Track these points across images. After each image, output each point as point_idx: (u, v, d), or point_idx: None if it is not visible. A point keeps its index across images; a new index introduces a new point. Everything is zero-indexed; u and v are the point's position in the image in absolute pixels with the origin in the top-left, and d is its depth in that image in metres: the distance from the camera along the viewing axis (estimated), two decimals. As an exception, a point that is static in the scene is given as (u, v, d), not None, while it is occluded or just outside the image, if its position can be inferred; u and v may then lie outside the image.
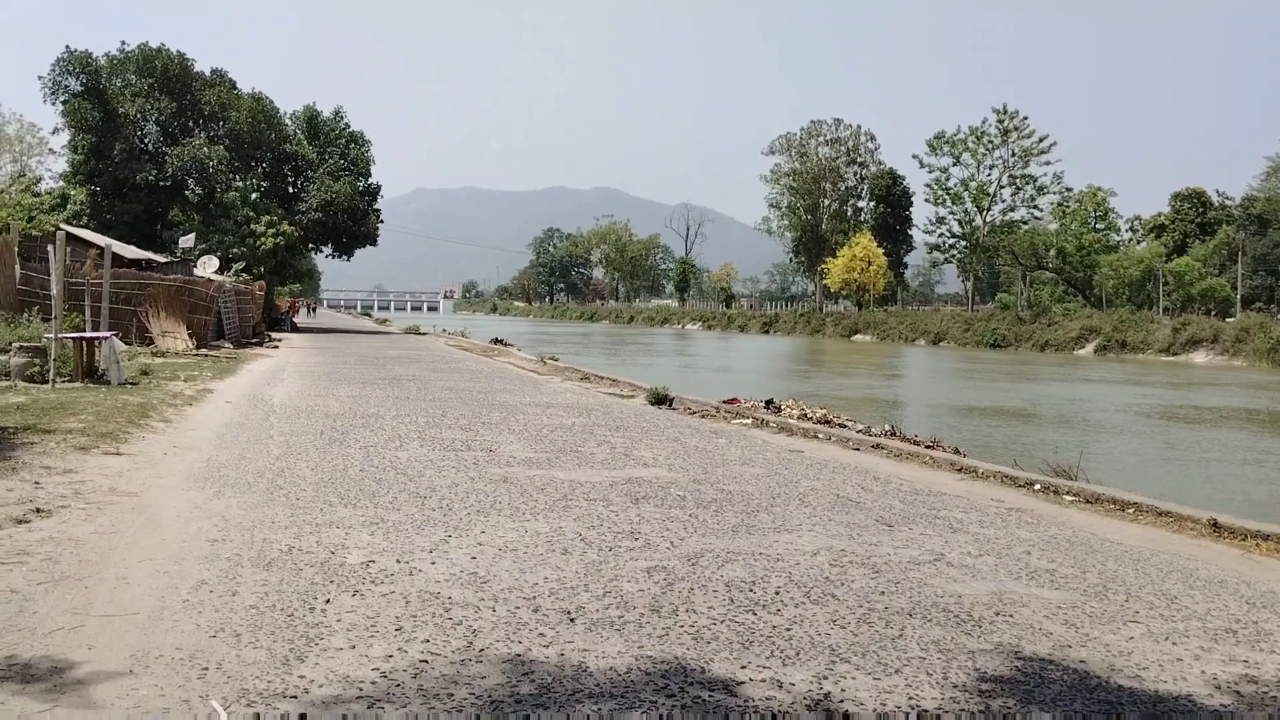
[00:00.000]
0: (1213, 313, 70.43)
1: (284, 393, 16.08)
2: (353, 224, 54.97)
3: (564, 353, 36.36)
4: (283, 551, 6.22)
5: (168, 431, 11.17)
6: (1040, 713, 4.25)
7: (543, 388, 18.71)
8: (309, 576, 5.69)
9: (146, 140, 51.18)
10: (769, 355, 55.43)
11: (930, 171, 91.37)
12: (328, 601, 5.24)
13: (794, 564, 6.39)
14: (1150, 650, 5.03)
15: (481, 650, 4.61)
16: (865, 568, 6.37)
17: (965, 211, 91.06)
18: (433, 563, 6.07)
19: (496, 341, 40.86)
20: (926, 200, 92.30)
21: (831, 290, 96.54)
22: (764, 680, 4.39)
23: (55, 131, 50.95)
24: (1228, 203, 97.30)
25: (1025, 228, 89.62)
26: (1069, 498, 9.08)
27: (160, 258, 38.58)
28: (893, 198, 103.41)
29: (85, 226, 42.77)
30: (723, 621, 5.16)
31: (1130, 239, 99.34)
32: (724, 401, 14.67)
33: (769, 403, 14.36)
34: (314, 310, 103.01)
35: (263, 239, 49.15)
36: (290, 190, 55.30)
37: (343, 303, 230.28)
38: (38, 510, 7.07)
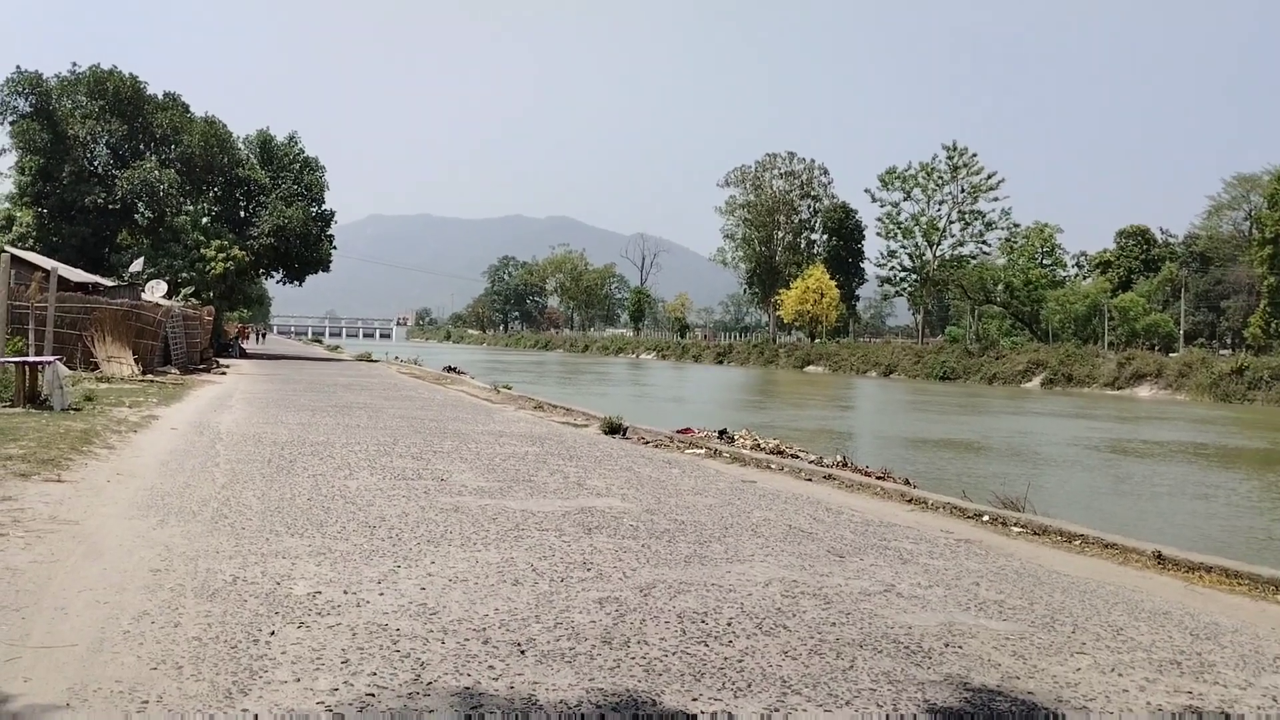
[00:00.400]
0: (1156, 348, 72.01)
1: (231, 420, 15.81)
2: (305, 249, 54.04)
3: (518, 381, 36.09)
4: (227, 582, 6.07)
5: (111, 459, 10.93)
6: (989, 744, 4.25)
7: (496, 416, 18.53)
8: (253, 608, 5.57)
9: (96, 162, 50.36)
10: (723, 386, 55.54)
11: (882, 206, 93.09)
12: (272, 633, 5.13)
13: (746, 595, 6.34)
14: (1097, 681, 5.07)
15: (430, 683, 4.53)
16: (817, 599, 6.34)
17: (916, 245, 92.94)
18: (381, 594, 5.95)
19: (450, 369, 40.61)
20: (878, 234, 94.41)
21: (785, 322, 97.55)
22: (715, 712, 4.36)
23: (2, 153, 50.01)
24: (1171, 240, 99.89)
25: (974, 262, 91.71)
26: (1017, 529, 9.10)
27: (108, 281, 37.86)
28: (845, 231, 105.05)
29: (31, 249, 42.00)
30: (675, 653, 5.12)
31: (1076, 274, 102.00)
32: (678, 431, 14.66)
33: (722, 433, 14.38)
34: (264, 336, 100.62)
35: (213, 264, 48.51)
36: (242, 214, 54.35)
37: (293, 329, 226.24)
38: (-26, 538, 6.87)
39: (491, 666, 4.79)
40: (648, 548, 7.55)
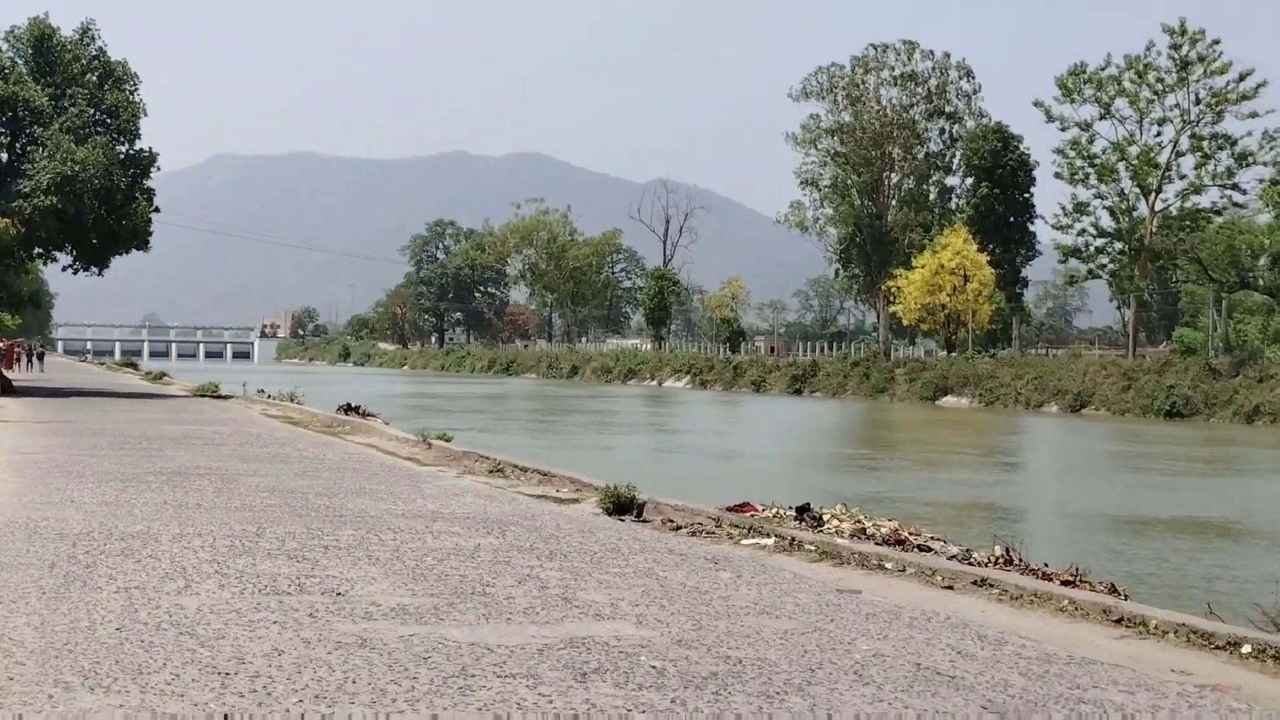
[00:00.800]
0: None
1: None
2: (109, 214, 36.27)
3: (463, 427, 28.29)
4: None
5: None
6: None
7: (427, 486, 13.55)
8: None
9: None
10: (802, 431, 41.01)
11: (1063, 128, 59.70)
12: None
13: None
14: None
15: None
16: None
17: (1121, 193, 59.79)
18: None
19: (349, 409, 26.60)
20: (1057, 175, 60.68)
21: (905, 323, 67.86)
22: None
23: None
24: None
25: (1219, 220, 58.62)
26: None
27: None
28: (1003, 170, 67.92)
29: None
30: None
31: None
32: (729, 508, 10.84)
33: (803, 510, 10.53)
34: (41, 358, 66.56)
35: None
36: (5, 159, 36.77)
37: (90, 346, 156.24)
38: None
39: None
40: (682, 707, 5.16)
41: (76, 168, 34.30)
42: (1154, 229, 59.05)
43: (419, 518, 10.50)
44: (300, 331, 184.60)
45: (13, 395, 32.94)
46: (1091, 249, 62.28)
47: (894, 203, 72.40)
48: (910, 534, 9.27)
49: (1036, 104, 60.41)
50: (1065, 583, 7.76)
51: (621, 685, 5.33)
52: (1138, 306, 64.43)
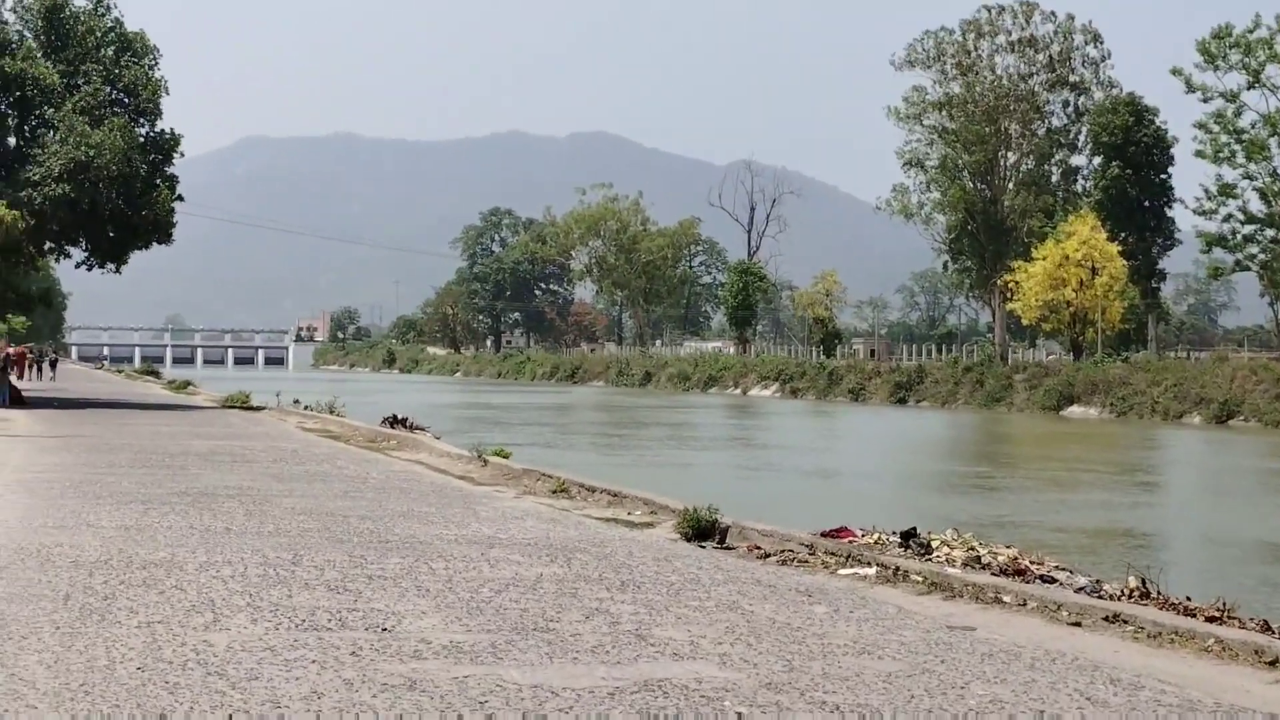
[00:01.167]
0: None
1: None
2: (127, 204, 32.94)
3: (523, 441, 26.78)
4: None
5: None
6: None
7: (482, 509, 12.57)
8: None
9: None
10: (907, 445, 37.60)
11: (1206, 100, 52.87)
12: None
13: None
14: None
15: None
16: None
17: (1273, 173, 52.66)
18: None
19: (395, 422, 24.46)
20: (1199, 154, 54.26)
21: (1024, 322, 61.47)
22: None
23: None
24: None
25: None
26: None
27: None
28: (1136, 149, 61.37)
29: None
30: None
31: None
32: (824, 533, 9.93)
33: (909, 536, 9.58)
34: (53, 365, 62.48)
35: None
36: (13, 143, 33.52)
37: (107, 352, 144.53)
38: None
39: None
40: (772, 760, 4.70)
41: (91, 152, 30.97)
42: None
43: (474, 544, 9.67)
44: (340, 335, 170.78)
45: (23, 407, 30.67)
46: (1239, 237, 55.00)
47: (1011, 185, 64.44)
48: (1031, 563, 8.31)
49: (1175, 72, 53.52)
50: (1210, 619, 6.85)
51: (705, 736, 4.58)
52: (1292, 304, 56.63)
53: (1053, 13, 64.06)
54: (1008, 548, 9.00)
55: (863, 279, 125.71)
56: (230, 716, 4.67)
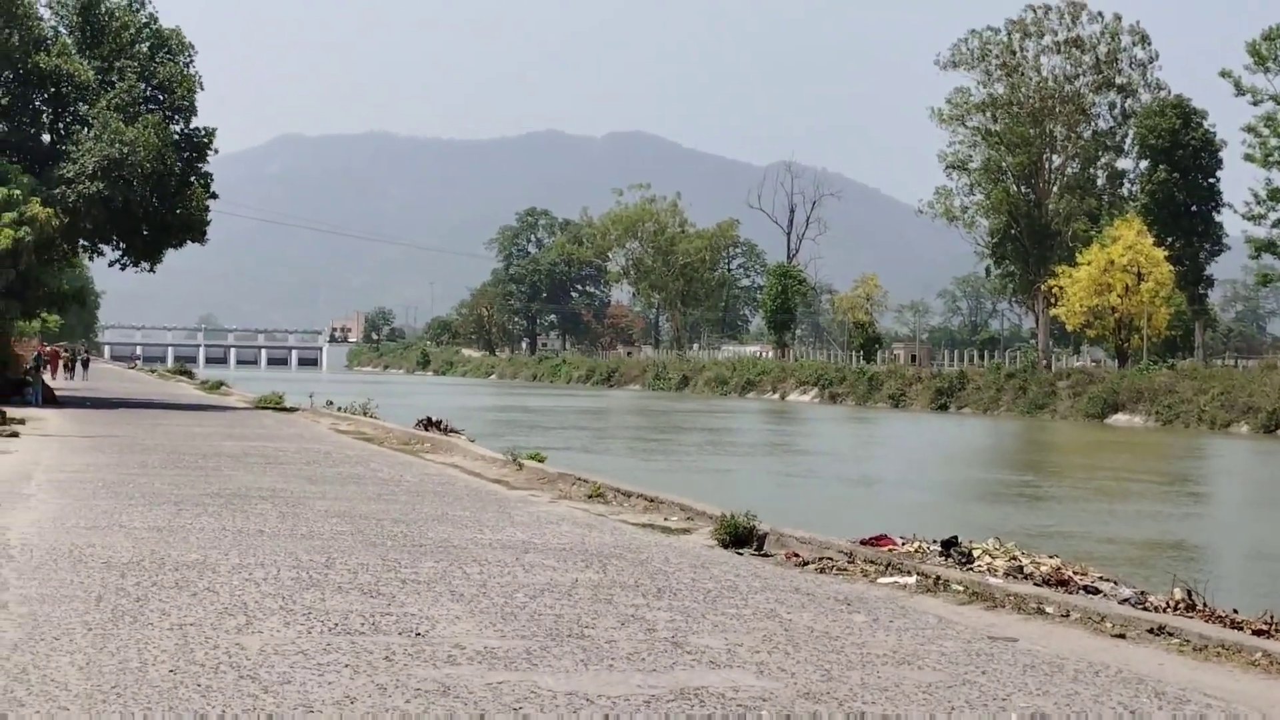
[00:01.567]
0: None
1: (29, 522, 10.38)
2: (161, 202, 32.66)
3: (558, 445, 26.86)
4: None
5: None
6: None
7: (517, 513, 12.48)
8: None
9: None
10: (948, 452, 36.82)
11: (1256, 102, 51.82)
12: None
13: None
14: None
15: None
16: None
17: None
18: None
19: (430, 425, 24.54)
20: (1248, 158, 53.28)
21: (1068, 328, 60.96)
22: None
23: None
24: None
25: None
26: None
27: None
28: (1184, 152, 60.14)
29: None
30: None
31: None
32: (863, 541, 9.76)
33: (950, 545, 9.41)
34: (86, 364, 60.88)
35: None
36: (46, 139, 33.34)
37: (139, 351, 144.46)
38: None
39: None
40: (810, 772, 4.67)
41: (125, 150, 30.43)
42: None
43: (508, 548, 9.57)
44: (374, 336, 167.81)
45: (55, 406, 30.30)
46: (1289, 242, 53.32)
47: (1056, 189, 63.14)
48: (1075, 573, 8.11)
49: (1224, 74, 52.70)
50: (1258, 632, 6.65)
51: (741, 747, 4.46)
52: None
53: (1100, 13, 63.07)
54: (1050, 558, 8.78)
55: (904, 283, 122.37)
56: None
